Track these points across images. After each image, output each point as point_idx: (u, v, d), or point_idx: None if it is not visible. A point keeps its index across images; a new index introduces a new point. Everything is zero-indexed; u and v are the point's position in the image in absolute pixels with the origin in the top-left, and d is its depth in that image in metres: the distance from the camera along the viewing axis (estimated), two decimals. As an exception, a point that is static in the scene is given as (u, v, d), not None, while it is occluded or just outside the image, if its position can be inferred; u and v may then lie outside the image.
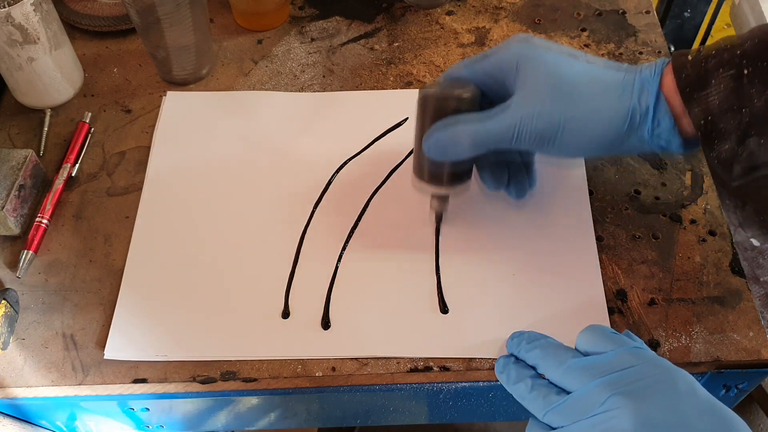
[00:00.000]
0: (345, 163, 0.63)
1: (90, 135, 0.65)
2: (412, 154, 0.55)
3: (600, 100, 0.47)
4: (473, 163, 0.54)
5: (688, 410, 0.39)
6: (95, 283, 0.57)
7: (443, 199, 0.56)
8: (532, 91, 0.48)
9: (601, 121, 0.47)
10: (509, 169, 0.55)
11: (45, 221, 0.59)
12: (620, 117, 0.47)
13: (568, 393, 0.42)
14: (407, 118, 0.65)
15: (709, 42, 0.96)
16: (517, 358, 0.48)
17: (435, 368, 0.52)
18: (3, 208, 0.57)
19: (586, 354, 0.44)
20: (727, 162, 0.46)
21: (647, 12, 0.73)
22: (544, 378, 0.45)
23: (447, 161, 0.52)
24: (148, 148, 0.65)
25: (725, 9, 0.92)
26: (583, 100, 0.47)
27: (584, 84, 0.48)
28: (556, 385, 0.44)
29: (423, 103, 0.51)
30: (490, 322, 0.53)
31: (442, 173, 0.53)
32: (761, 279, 0.77)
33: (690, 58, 0.47)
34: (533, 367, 0.46)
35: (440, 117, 0.50)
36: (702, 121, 0.46)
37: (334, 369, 0.52)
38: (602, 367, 0.42)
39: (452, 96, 0.50)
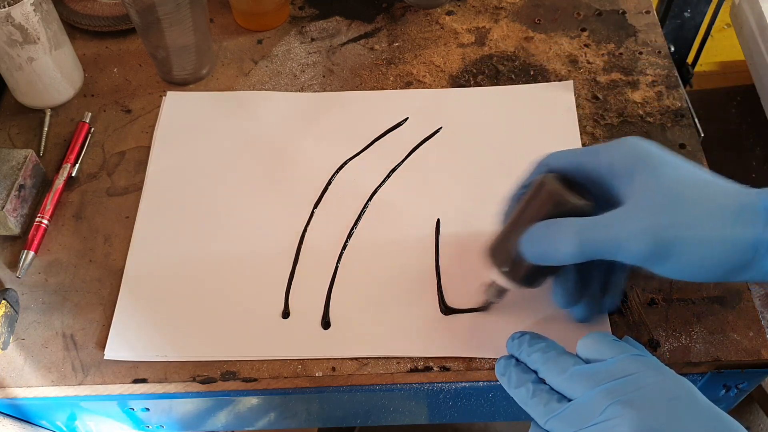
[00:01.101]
0: (345, 163, 0.63)
1: (90, 135, 0.66)
2: (498, 235, 0.50)
3: (720, 225, 0.42)
4: (555, 272, 0.50)
5: (688, 418, 0.39)
6: (95, 283, 0.57)
7: (502, 292, 0.52)
8: (647, 203, 0.43)
9: (720, 249, 0.42)
10: (584, 287, 0.51)
11: (45, 221, 0.59)
12: (742, 247, 0.42)
13: (569, 400, 0.42)
14: (407, 118, 0.65)
15: (708, 42, 0.96)
16: (517, 360, 0.48)
17: (435, 368, 0.52)
18: (3, 208, 0.57)
19: (587, 361, 0.44)
20: None
21: (647, 12, 0.73)
22: (545, 383, 0.45)
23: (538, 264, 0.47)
24: (148, 148, 0.65)
25: (725, 9, 0.92)
26: (702, 223, 0.42)
27: (703, 203, 0.43)
28: (557, 391, 0.44)
29: (538, 190, 0.47)
30: (490, 322, 0.53)
31: (521, 269, 0.48)
32: (761, 279, 0.77)
33: None
34: (534, 371, 0.46)
35: (550, 216, 0.46)
36: None
37: (334, 369, 0.52)
38: (603, 375, 0.42)
39: (570, 201, 0.46)
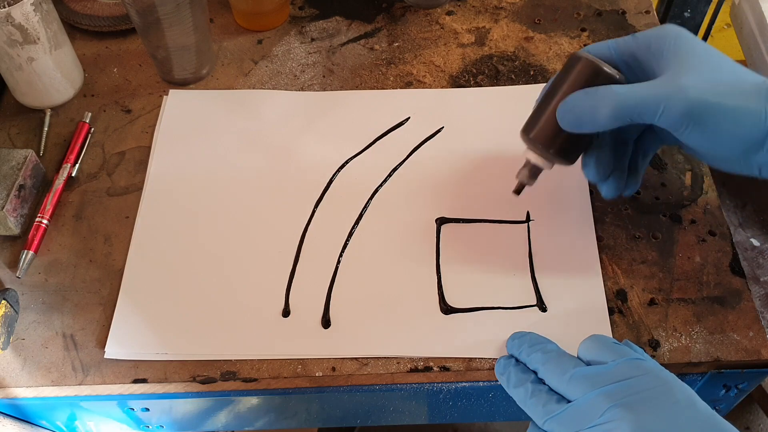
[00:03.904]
0: (346, 163, 0.63)
1: (90, 135, 0.65)
2: (533, 111, 0.52)
3: (751, 100, 0.45)
4: (590, 142, 0.51)
5: (686, 422, 0.40)
6: (95, 283, 0.57)
7: (535, 172, 0.53)
8: (686, 70, 0.46)
9: (748, 121, 0.45)
10: (615, 164, 0.53)
11: (45, 221, 0.59)
12: (765, 122, 0.45)
13: (568, 401, 0.42)
14: (408, 118, 0.66)
15: (708, 42, 0.96)
16: (517, 360, 0.48)
17: (435, 368, 0.52)
18: (3, 208, 0.57)
19: (587, 363, 0.44)
20: None
21: (647, 12, 0.73)
22: (544, 383, 0.45)
23: (573, 132, 0.49)
24: (148, 148, 0.65)
25: (725, 9, 0.92)
26: (737, 94, 0.45)
27: (737, 79, 0.46)
28: (556, 392, 0.44)
29: (572, 63, 0.49)
30: (490, 322, 0.53)
31: (556, 140, 0.50)
32: (761, 279, 0.77)
33: None
34: (533, 371, 0.46)
35: (586, 86, 0.48)
36: None
37: (334, 369, 0.52)
38: (603, 378, 0.42)
39: (604, 72, 0.48)
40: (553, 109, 0.49)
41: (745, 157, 0.46)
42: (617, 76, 0.48)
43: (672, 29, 0.48)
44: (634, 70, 0.50)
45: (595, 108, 0.47)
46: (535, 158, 0.51)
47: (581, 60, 0.49)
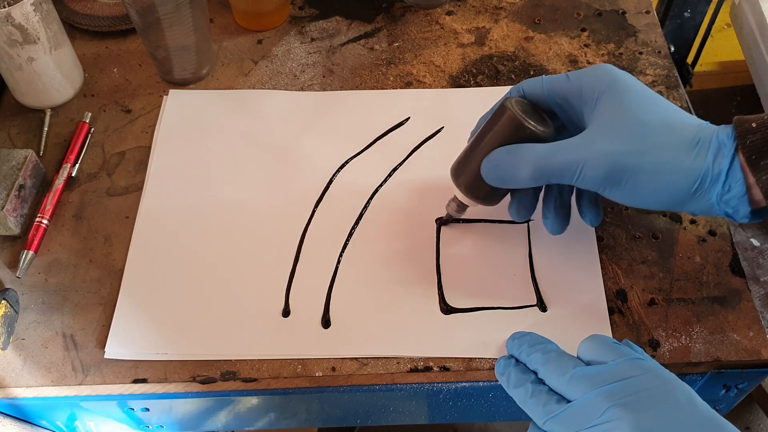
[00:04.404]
0: (346, 162, 0.63)
1: (90, 135, 0.65)
2: (461, 155, 0.53)
3: (674, 155, 0.44)
4: (514, 190, 0.53)
5: (686, 422, 0.40)
6: (95, 283, 0.57)
7: (463, 208, 0.55)
8: (606, 131, 0.46)
9: (671, 177, 0.45)
10: (551, 200, 0.53)
11: (45, 221, 0.59)
12: (691, 176, 0.44)
13: (568, 401, 0.42)
14: (408, 118, 0.66)
15: (708, 42, 0.96)
16: (517, 360, 0.48)
17: (435, 368, 0.52)
18: (3, 208, 0.57)
19: (587, 363, 0.44)
20: None
21: (647, 12, 0.73)
22: (545, 383, 0.45)
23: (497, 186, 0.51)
24: (148, 148, 0.65)
25: (725, 9, 0.92)
26: (657, 151, 0.45)
27: (661, 133, 0.45)
28: (556, 392, 0.44)
29: (500, 113, 0.50)
30: (490, 322, 0.53)
31: (481, 189, 0.52)
32: (761, 279, 0.77)
33: (755, 124, 0.44)
34: (534, 371, 0.46)
35: (509, 140, 0.49)
36: None
37: (334, 369, 0.52)
38: (602, 377, 0.42)
39: (527, 128, 0.49)
40: (479, 162, 0.51)
41: (676, 207, 0.46)
42: (540, 133, 0.49)
43: (605, 74, 0.48)
44: (566, 111, 0.50)
45: (517, 168, 0.48)
46: (462, 197, 0.54)
47: (506, 112, 0.49)
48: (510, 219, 0.58)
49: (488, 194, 0.52)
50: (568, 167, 0.46)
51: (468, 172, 0.52)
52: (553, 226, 0.53)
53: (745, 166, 0.44)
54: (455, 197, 0.55)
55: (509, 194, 0.53)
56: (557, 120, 0.51)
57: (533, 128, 0.49)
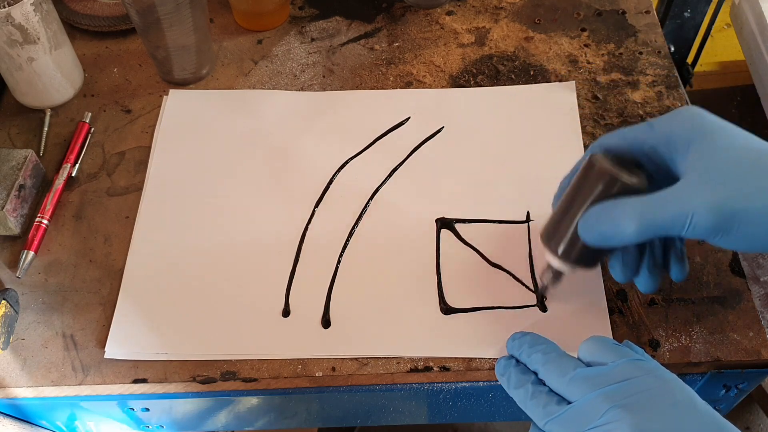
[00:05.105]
0: (347, 162, 0.63)
1: (90, 135, 0.66)
2: (551, 218, 0.49)
3: None
4: (613, 250, 0.49)
5: (686, 423, 0.40)
6: (95, 283, 0.57)
7: (559, 276, 0.51)
8: (707, 177, 0.43)
9: None
10: (644, 258, 0.50)
11: (45, 221, 0.59)
12: None
13: (569, 402, 0.42)
14: (409, 118, 0.66)
15: (708, 42, 0.96)
16: (517, 361, 0.48)
17: (435, 368, 0.52)
18: (3, 208, 0.57)
19: (587, 364, 0.44)
20: None
21: (647, 12, 0.73)
22: (545, 384, 0.45)
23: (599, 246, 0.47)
24: (148, 148, 0.65)
25: (725, 9, 0.92)
26: (764, 194, 0.42)
27: (765, 174, 0.42)
28: (556, 393, 0.44)
29: (587, 171, 0.47)
30: (490, 322, 0.53)
31: (578, 252, 0.48)
32: (761, 279, 0.77)
33: None
34: (534, 372, 0.46)
35: (603, 196, 0.46)
36: None
37: (334, 369, 0.52)
38: (603, 379, 0.42)
39: (623, 180, 0.45)
40: (572, 223, 0.47)
41: None
42: (636, 184, 0.45)
43: (693, 119, 0.45)
44: (652, 160, 0.47)
45: (619, 224, 0.44)
46: (558, 264, 0.49)
47: (596, 167, 0.46)
48: (510, 219, 0.59)
49: (587, 257, 0.48)
50: (677, 218, 0.43)
51: (561, 236, 0.48)
52: (648, 284, 0.49)
53: None
54: (549, 266, 0.50)
55: (609, 255, 0.50)
56: (645, 170, 0.48)
57: (627, 181, 0.45)
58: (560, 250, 0.48)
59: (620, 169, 0.46)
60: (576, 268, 0.49)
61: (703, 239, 0.44)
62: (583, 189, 0.47)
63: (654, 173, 0.48)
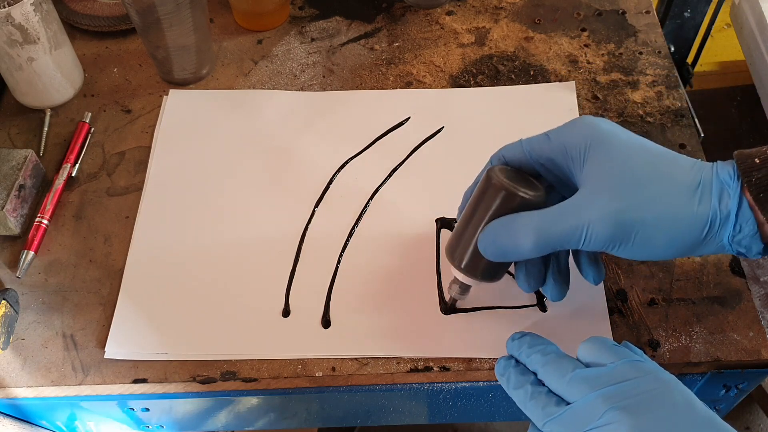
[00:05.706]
0: (347, 162, 0.63)
1: (90, 135, 0.66)
2: (453, 234, 0.49)
3: (677, 203, 0.43)
4: (516, 263, 0.50)
5: (685, 425, 0.40)
6: (95, 283, 0.57)
7: (465, 289, 0.51)
8: (602, 187, 0.43)
9: (678, 227, 0.43)
10: (549, 267, 0.50)
11: (45, 221, 0.59)
12: (699, 223, 0.42)
13: (568, 403, 0.42)
14: (409, 118, 0.66)
15: (708, 42, 0.96)
16: (517, 361, 0.48)
17: (435, 368, 0.52)
18: (3, 208, 0.57)
19: (587, 365, 0.44)
20: None
21: (647, 12, 0.73)
22: (544, 385, 0.45)
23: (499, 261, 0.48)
24: (148, 148, 0.65)
25: (725, 9, 0.92)
26: (658, 202, 0.43)
27: (659, 181, 0.43)
28: (555, 394, 0.44)
29: (485, 186, 0.47)
30: (490, 322, 0.53)
31: (481, 266, 0.48)
32: (761, 279, 0.77)
33: (758, 160, 0.42)
34: (533, 372, 0.46)
35: (501, 211, 0.46)
36: None
37: (334, 369, 0.52)
38: (602, 380, 0.42)
39: (520, 194, 0.45)
40: (472, 238, 0.48)
41: (689, 254, 0.45)
42: (532, 198, 0.46)
43: (587, 128, 0.45)
44: (551, 171, 0.48)
45: (517, 240, 0.45)
46: (463, 278, 0.50)
47: (492, 183, 0.46)
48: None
49: (491, 270, 0.49)
50: (572, 232, 0.43)
51: (464, 251, 0.48)
52: (554, 293, 0.50)
53: (753, 205, 0.42)
54: (455, 279, 0.51)
55: (515, 267, 0.50)
56: (544, 181, 0.49)
57: (524, 195, 0.46)
58: (463, 264, 0.49)
59: (517, 183, 0.46)
60: (481, 282, 0.49)
61: (602, 251, 0.44)
62: (482, 203, 0.47)
63: (555, 184, 0.48)
